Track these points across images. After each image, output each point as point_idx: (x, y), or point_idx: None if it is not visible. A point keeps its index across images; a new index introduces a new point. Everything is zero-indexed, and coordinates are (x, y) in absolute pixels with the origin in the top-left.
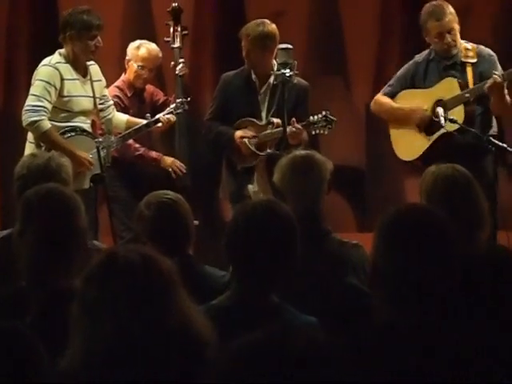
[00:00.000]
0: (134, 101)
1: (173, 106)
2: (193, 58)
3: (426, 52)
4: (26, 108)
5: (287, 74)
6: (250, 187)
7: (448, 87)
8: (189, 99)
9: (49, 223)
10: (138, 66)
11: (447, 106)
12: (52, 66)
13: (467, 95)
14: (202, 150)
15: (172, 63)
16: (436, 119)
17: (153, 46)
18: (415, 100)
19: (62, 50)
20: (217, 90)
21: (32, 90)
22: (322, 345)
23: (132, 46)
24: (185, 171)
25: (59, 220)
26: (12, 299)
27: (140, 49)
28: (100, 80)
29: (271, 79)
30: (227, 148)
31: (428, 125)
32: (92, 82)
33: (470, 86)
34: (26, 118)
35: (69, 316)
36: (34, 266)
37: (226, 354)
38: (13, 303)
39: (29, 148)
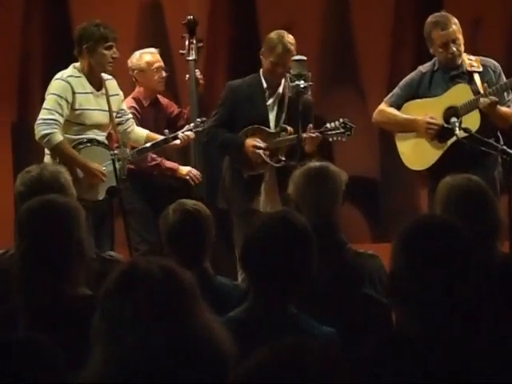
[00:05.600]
0: (150, 111)
1: (192, 124)
2: (207, 69)
3: (429, 63)
4: (38, 122)
5: (301, 86)
6: (260, 199)
7: (460, 93)
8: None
9: (40, 236)
10: (154, 69)
11: (460, 112)
12: (63, 80)
13: (481, 99)
14: (217, 163)
15: (187, 76)
16: (449, 126)
17: (149, 49)
18: (424, 109)
19: (77, 64)
20: (223, 97)
21: (44, 104)
22: (336, 360)
23: (134, 59)
24: (201, 179)
25: (51, 232)
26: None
27: (144, 56)
28: (117, 94)
29: (280, 89)
30: (235, 155)
31: (440, 133)
32: (108, 96)
33: (481, 91)
34: (39, 131)
35: (73, 324)
36: (24, 281)
37: (240, 373)
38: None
39: (46, 159)
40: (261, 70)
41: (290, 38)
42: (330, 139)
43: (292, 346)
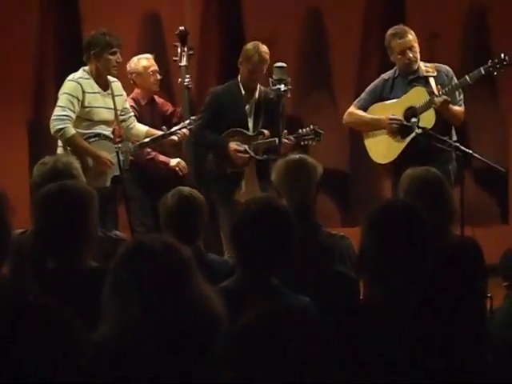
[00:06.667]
0: (147, 109)
1: (187, 121)
2: (198, 74)
3: (391, 71)
4: (53, 118)
5: (282, 89)
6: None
7: (417, 95)
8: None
9: (52, 218)
10: (150, 72)
11: (418, 111)
12: (74, 81)
13: (436, 99)
14: (204, 156)
15: (179, 80)
16: (409, 124)
17: (145, 55)
18: (388, 110)
19: (86, 68)
20: (207, 103)
21: (58, 102)
22: (313, 323)
23: (132, 64)
24: (186, 171)
25: (63, 214)
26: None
27: (141, 61)
28: (121, 95)
29: (256, 94)
30: (220, 155)
31: (401, 130)
32: (114, 96)
33: (436, 93)
34: (53, 126)
35: (83, 292)
36: (35, 254)
37: (229, 334)
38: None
39: (59, 151)
40: (239, 76)
41: (264, 49)
42: (302, 143)
43: (273, 311)
